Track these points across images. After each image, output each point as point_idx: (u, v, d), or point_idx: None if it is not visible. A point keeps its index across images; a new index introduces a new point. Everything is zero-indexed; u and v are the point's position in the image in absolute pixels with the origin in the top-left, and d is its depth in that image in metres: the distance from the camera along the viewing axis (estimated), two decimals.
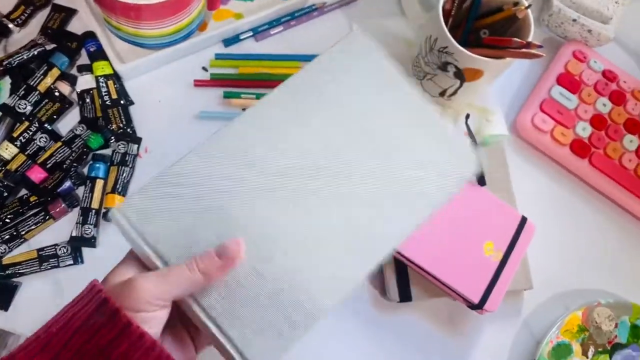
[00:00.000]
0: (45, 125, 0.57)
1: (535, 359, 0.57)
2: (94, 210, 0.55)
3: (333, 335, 0.56)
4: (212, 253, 0.36)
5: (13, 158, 0.55)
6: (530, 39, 0.56)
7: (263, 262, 0.38)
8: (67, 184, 0.55)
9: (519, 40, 0.53)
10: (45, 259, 0.54)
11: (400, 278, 0.56)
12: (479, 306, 0.54)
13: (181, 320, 0.39)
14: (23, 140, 0.56)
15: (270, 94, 0.42)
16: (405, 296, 0.56)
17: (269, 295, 0.38)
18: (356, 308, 0.57)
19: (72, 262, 0.54)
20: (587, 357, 0.58)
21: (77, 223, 0.54)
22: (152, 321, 0.34)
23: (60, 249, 0.54)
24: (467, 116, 0.64)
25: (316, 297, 0.38)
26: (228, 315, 0.37)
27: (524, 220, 0.58)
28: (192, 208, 0.38)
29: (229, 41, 0.64)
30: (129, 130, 0.59)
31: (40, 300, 0.53)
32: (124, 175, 0.57)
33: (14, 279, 0.54)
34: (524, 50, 0.53)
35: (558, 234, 0.64)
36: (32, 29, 0.62)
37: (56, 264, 0.54)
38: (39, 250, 0.54)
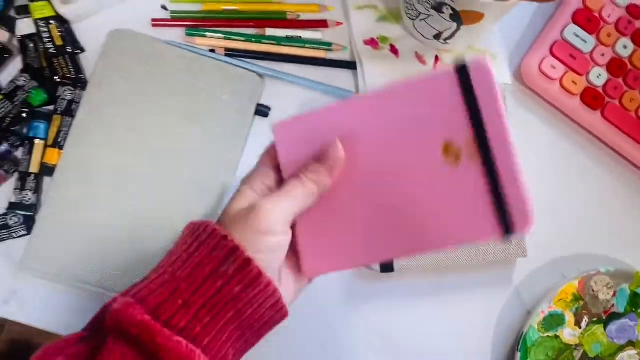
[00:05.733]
0: None
1: (525, 329, 0.53)
2: (33, 175, 0.50)
3: (310, 301, 0.53)
4: (314, 163, 0.36)
5: None
6: None
7: None
8: (4, 146, 0.49)
9: None
10: None
11: None
12: (508, 232, 0.32)
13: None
14: None
15: None
16: (386, 267, 0.52)
17: None
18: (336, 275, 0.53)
19: (26, 232, 0.50)
20: (580, 328, 0.54)
21: (15, 189, 0.50)
22: (279, 250, 0.35)
23: (11, 219, 0.49)
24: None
25: None
26: None
27: (461, 69, 0.33)
28: None
29: None
30: (80, 82, 0.52)
31: None
32: (69, 126, 0.51)
33: None
34: None
35: (561, 195, 0.58)
36: None
37: (8, 236, 0.49)
38: None
